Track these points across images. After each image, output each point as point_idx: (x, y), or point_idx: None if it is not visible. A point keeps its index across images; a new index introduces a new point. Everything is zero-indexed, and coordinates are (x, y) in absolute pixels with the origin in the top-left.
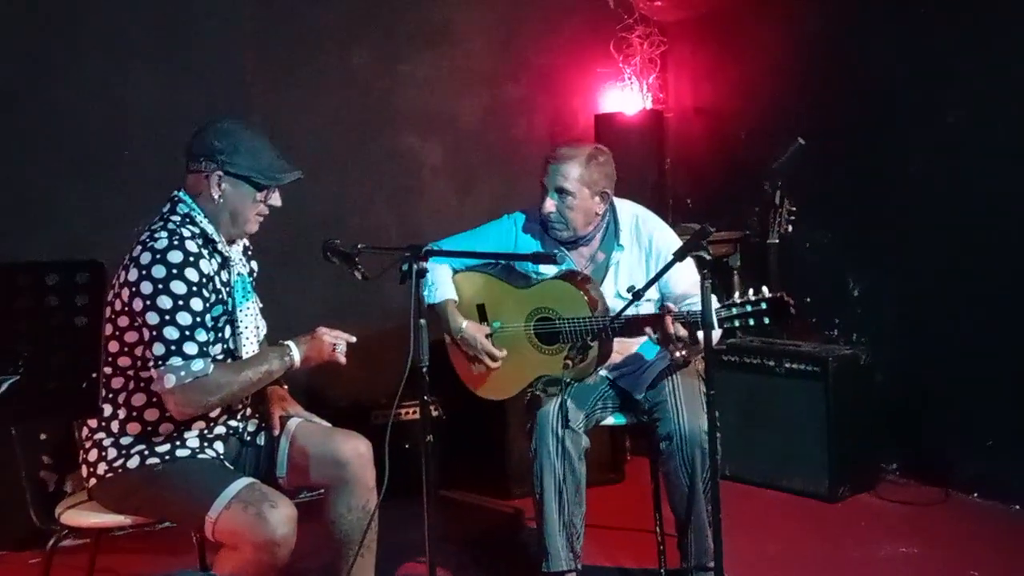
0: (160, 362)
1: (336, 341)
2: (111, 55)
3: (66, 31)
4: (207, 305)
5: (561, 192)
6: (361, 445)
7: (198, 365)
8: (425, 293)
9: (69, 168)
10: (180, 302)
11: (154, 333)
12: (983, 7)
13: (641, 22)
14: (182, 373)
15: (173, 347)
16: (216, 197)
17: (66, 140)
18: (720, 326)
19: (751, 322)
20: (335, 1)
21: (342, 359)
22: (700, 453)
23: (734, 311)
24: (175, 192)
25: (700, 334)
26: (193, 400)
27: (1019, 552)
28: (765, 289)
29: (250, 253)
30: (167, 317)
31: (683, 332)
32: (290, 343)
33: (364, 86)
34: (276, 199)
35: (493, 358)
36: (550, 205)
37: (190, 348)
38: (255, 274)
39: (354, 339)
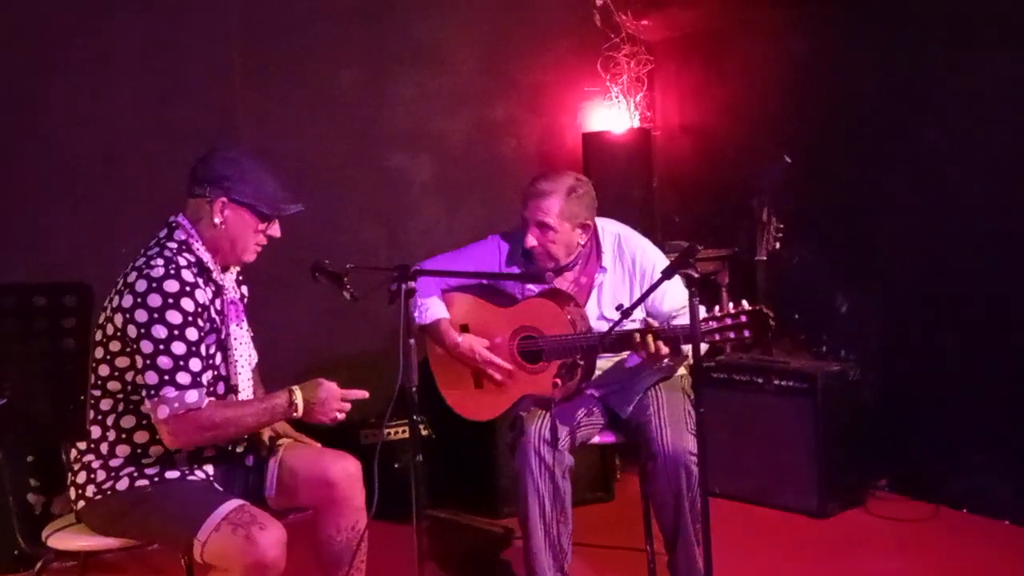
0: (153, 391)
1: (341, 415)
2: (97, 75)
3: (52, 51)
4: (201, 335)
5: (542, 227)
6: (350, 465)
7: (192, 396)
8: (416, 314)
9: (55, 189)
10: (175, 332)
11: (147, 362)
12: (964, 30)
13: (628, 41)
14: (175, 404)
15: (166, 376)
16: (218, 223)
17: (52, 160)
18: (701, 340)
19: (732, 335)
20: (323, 21)
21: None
22: (685, 473)
23: (713, 324)
24: (173, 218)
25: (685, 348)
26: (186, 431)
27: (1009, 567)
28: (745, 302)
29: (240, 279)
30: (161, 347)
31: (665, 349)
32: (297, 397)
33: (353, 105)
34: (276, 230)
35: (495, 366)
36: (532, 240)
37: (183, 378)
38: (245, 299)
39: (366, 394)
